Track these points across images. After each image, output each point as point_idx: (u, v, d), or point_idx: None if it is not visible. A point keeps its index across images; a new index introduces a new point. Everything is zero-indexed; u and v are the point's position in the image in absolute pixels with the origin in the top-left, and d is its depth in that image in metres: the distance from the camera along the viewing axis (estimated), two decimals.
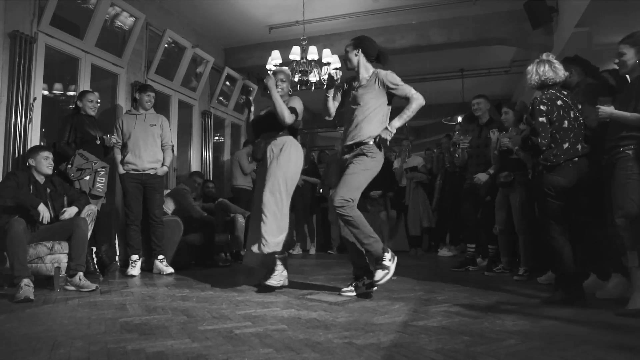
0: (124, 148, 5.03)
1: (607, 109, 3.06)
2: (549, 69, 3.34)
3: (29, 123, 4.64)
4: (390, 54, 7.59)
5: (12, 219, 3.60)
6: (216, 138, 8.36)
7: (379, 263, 3.42)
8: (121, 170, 5.00)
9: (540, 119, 3.24)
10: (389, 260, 3.42)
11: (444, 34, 7.20)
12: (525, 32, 6.65)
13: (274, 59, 6.33)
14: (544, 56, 3.42)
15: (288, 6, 6.66)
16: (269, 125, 4.01)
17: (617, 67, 3.22)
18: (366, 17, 7.08)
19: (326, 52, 6.29)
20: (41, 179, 4.05)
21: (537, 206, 3.39)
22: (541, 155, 3.29)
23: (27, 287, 3.38)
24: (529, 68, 3.43)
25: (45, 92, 5.22)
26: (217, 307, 3.10)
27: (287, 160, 3.86)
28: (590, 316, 2.85)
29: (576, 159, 3.24)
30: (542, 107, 3.26)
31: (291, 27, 7.23)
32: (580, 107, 3.38)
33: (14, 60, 4.51)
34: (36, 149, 4.12)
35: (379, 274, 3.38)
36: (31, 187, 3.94)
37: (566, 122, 3.27)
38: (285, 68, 4.17)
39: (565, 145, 3.24)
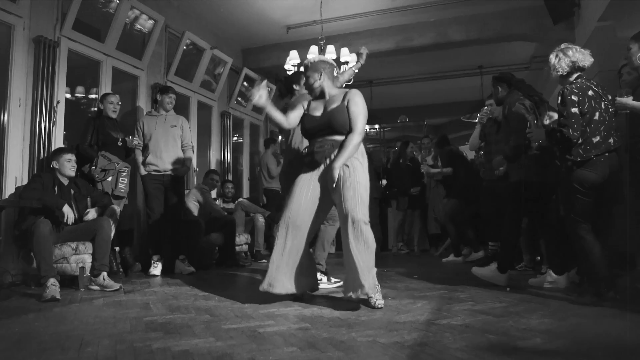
0: (145, 149, 5.08)
1: (624, 100, 3.00)
2: (577, 51, 3.19)
3: (53, 126, 4.72)
4: (408, 53, 7.68)
5: (38, 221, 3.68)
6: (235, 138, 8.41)
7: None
8: (143, 171, 5.05)
9: (573, 110, 3.03)
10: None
11: (462, 31, 7.13)
12: (546, 28, 6.55)
13: (292, 59, 6.36)
14: (564, 45, 3.28)
15: (305, 6, 6.67)
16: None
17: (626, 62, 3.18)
18: (384, 15, 7.05)
19: (344, 51, 6.29)
20: (65, 181, 4.12)
21: (565, 204, 3.24)
22: (571, 151, 3.11)
23: (53, 286, 3.45)
24: (553, 56, 3.25)
25: (68, 95, 5.31)
26: (239, 306, 3.12)
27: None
28: (618, 314, 2.79)
29: (607, 153, 3.06)
30: (573, 97, 3.06)
31: (309, 27, 7.24)
32: (610, 97, 3.21)
33: (38, 64, 4.59)
34: (59, 152, 4.20)
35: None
36: (55, 189, 4.01)
37: (597, 113, 3.08)
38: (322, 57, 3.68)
39: (596, 139, 3.05)
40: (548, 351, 2.03)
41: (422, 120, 11.50)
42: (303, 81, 3.64)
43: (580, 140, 3.07)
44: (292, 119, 3.39)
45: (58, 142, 4.81)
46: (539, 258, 4.84)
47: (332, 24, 7.07)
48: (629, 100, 2.99)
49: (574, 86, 3.12)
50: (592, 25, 5.57)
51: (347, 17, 7.11)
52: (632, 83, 3.66)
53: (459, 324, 2.53)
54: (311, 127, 3.28)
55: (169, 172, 5.07)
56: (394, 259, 6.84)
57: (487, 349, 2.05)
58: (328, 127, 3.19)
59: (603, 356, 1.98)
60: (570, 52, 3.19)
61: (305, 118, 3.34)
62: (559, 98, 3.15)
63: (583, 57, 3.19)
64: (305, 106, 3.39)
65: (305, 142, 3.61)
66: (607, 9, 5.09)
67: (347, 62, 6.18)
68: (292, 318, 2.73)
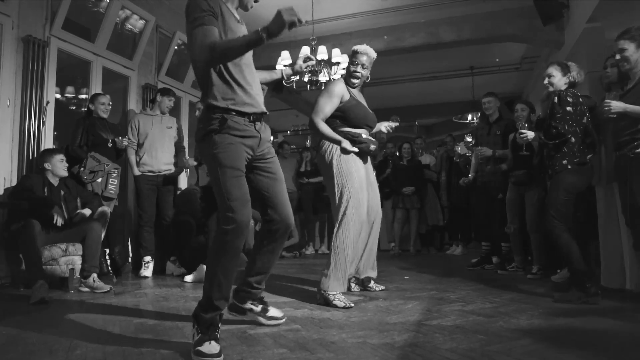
0: (140, 148, 5.06)
1: (620, 104, 3.02)
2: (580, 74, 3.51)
3: (42, 126, 4.68)
4: (400, 53, 7.70)
5: (27, 222, 3.65)
6: None
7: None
8: (136, 171, 5.02)
9: (568, 108, 3.28)
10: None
11: (453, 31, 7.15)
12: (535, 29, 6.59)
13: (283, 59, 6.34)
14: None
15: (297, 6, 6.39)
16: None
17: (619, 64, 3.21)
18: (375, 16, 7.07)
19: (335, 51, 6.28)
20: (55, 182, 4.09)
21: (552, 203, 3.32)
22: (564, 148, 3.32)
23: (42, 288, 3.42)
24: (574, 65, 3.53)
25: (58, 96, 5.27)
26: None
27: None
28: (607, 313, 2.82)
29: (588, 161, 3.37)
30: (569, 98, 3.30)
31: (300, 27, 7.21)
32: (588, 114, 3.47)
33: (27, 64, 4.55)
34: (50, 152, 4.17)
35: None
36: (45, 190, 3.99)
37: (585, 118, 3.34)
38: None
39: (589, 140, 3.38)
40: (538, 351, 2.04)
41: (414, 121, 11.52)
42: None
43: (573, 139, 3.29)
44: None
45: (47, 142, 4.76)
46: (529, 258, 4.86)
47: (324, 24, 7.06)
48: (626, 105, 3.01)
49: (569, 92, 3.35)
50: (581, 27, 5.61)
51: (339, 18, 7.11)
52: (606, 87, 3.75)
53: (449, 325, 2.54)
54: (365, 117, 3.51)
55: (163, 173, 5.07)
56: (389, 259, 6.84)
57: (478, 350, 2.06)
58: (373, 121, 3.61)
59: (592, 356, 1.99)
60: (580, 74, 3.54)
61: (360, 107, 3.49)
62: (556, 99, 3.34)
63: (581, 79, 3.54)
64: (347, 96, 3.42)
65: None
66: (596, 10, 5.13)
67: (338, 63, 6.17)
68: None
